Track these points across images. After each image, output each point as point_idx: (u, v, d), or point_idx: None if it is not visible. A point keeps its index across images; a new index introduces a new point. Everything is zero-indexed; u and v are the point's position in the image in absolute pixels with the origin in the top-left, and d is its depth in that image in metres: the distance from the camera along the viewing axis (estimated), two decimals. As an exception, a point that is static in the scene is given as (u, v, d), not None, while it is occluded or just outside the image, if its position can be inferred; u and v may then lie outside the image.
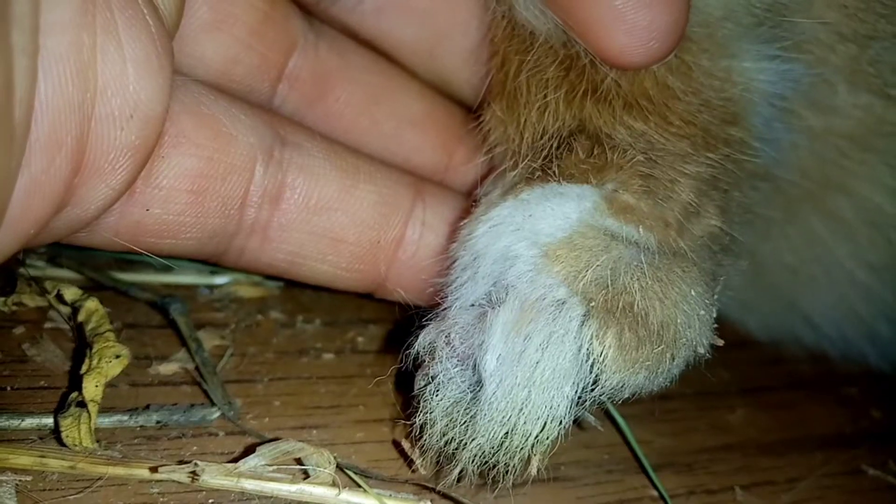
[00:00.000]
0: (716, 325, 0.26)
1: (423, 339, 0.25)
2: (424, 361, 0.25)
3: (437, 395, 0.24)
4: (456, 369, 0.24)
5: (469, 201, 0.29)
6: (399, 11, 0.29)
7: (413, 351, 0.25)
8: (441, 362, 0.24)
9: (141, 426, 0.25)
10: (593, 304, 0.24)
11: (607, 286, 0.24)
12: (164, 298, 0.31)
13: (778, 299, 0.37)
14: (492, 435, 0.23)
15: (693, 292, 0.25)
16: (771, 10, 0.27)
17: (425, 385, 0.24)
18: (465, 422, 0.24)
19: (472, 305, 0.25)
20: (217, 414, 0.26)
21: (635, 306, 0.24)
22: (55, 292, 0.29)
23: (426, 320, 0.26)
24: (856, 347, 0.38)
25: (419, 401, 0.25)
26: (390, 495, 0.25)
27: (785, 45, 0.27)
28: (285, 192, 0.27)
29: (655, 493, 0.28)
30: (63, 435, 0.24)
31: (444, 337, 0.24)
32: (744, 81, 0.27)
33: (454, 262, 0.26)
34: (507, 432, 0.23)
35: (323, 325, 0.33)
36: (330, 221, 0.28)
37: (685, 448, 0.31)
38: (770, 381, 0.38)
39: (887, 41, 0.28)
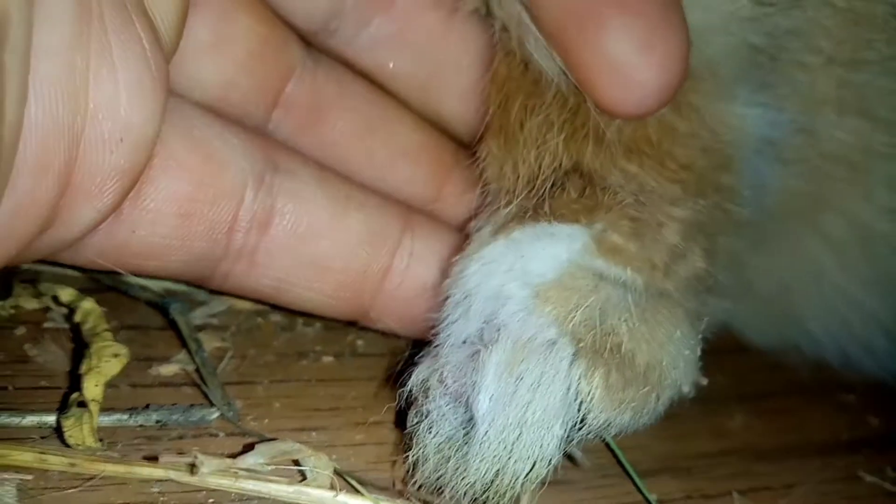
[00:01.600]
0: (715, 333, 0.26)
1: (416, 377, 0.25)
2: (418, 399, 0.25)
3: (430, 432, 0.24)
4: (448, 407, 0.24)
5: (461, 236, 0.30)
6: (394, 46, 0.29)
7: (407, 389, 0.25)
8: (434, 400, 0.25)
9: (141, 426, 0.25)
10: (582, 344, 0.24)
11: (595, 327, 0.24)
12: (164, 299, 0.31)
13: (775, 313, 0.38)
14: (482, 474, 0.23)
15: (678, 333, 0.25)
16: (766, 51, 0.27)
17: (419, 422, 0.25)
18: (456, 460, 0.24)
19: (464, 342, 0.25)
20: (216, 414, 0.27)
21: (622, 347, 0.24)
22: (51, 294, 0.29)
23: (419, 357, 0.26)
24: (854, 358, 0.38)
25: (412, 437, 0.25)
26: (388, 499, 0.25)
27: (778, 92, 0.27)
28: (274, 217, 0.27)
29: (653, 498, 0.28)
30: (66, 435, 0.24)
31: (437, 375, 0.25)
32: (739, 125, 0.27)
33: (447, 298, 0.27)
34: (497, 471, 0.23)
35: (323, 329, 0.33)
36: (318, 249, 0.28)
37: (683, 453, 0.31)
38: (769, 387, 0.38)
39: (874, 66, 0.28)
